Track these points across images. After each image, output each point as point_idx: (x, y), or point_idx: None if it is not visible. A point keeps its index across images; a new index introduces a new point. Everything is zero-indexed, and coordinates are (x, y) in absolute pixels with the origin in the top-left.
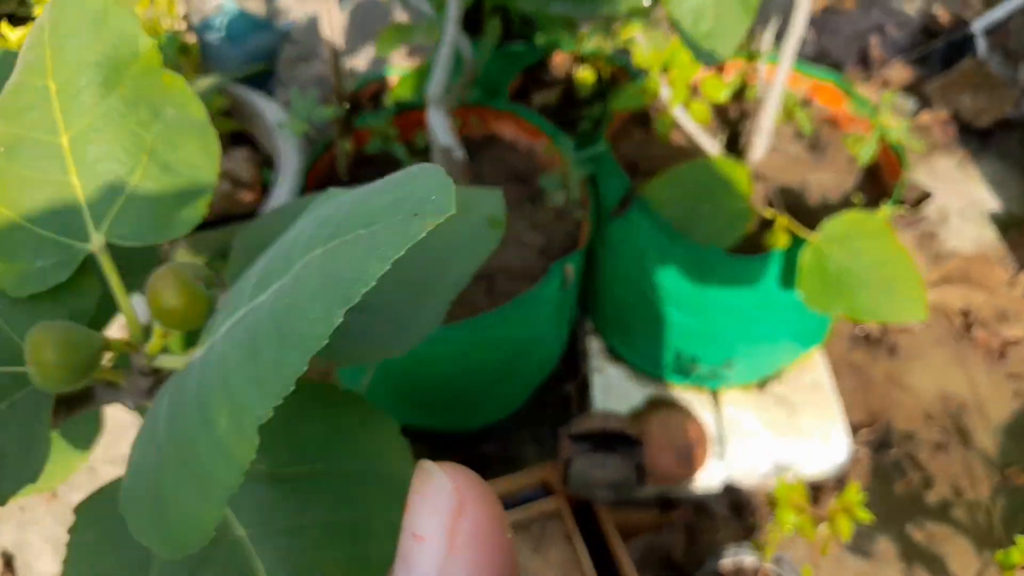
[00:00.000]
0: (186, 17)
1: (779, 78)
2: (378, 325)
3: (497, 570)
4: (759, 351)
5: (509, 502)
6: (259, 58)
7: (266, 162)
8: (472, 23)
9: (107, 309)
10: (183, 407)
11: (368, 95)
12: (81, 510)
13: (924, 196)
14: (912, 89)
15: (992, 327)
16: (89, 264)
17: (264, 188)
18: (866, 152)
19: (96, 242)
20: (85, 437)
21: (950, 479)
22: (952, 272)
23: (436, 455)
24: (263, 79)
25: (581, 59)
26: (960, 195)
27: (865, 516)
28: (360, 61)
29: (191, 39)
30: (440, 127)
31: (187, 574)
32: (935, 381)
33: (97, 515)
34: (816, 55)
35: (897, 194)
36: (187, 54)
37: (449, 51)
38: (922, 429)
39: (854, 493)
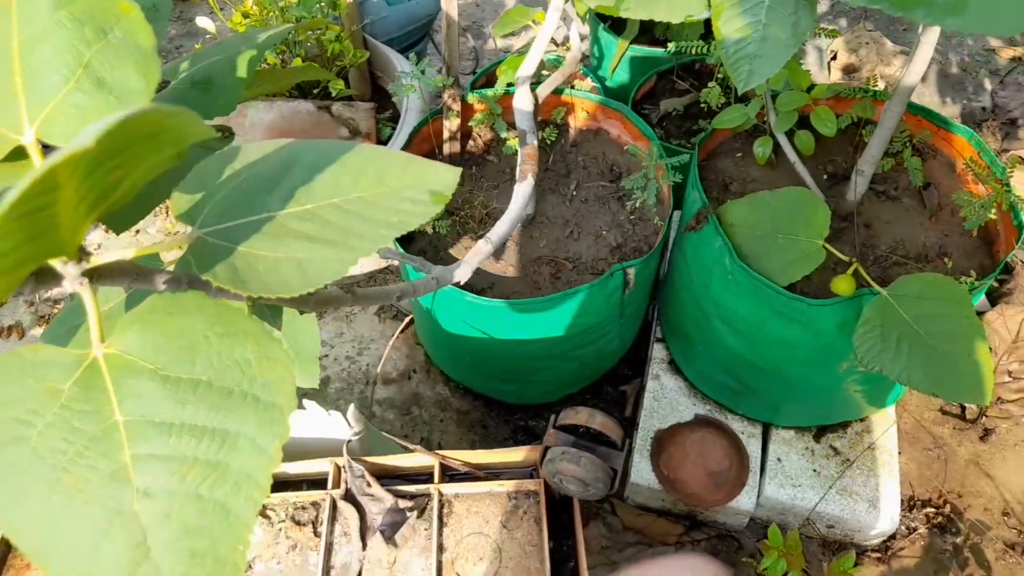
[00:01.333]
0: None
1: (887, 117)
2: (287, 266)
3: None
4: (817, 397)
5: (495, 473)
6: (415, 22)
7: (395, 119)
8: (617, 21)
9: None
10: None
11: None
12: None
13: None
14: None
15: None
16: (22, 155)
17: (380, 142)
18: (977, 216)
19: (28, 136)
20: None
21: None
22: None
23: (488, 417)
24: (416, 43)
25: (717, 70)
26: None
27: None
28: (520, 43)
29: None
30: (522, 110)
31: (60, 440)
32: None
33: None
34: (991, 109)
35: (1000, 268)
36: (336, 7)
37: (544, 39)
38: (997, 525)
39: (848, 562)
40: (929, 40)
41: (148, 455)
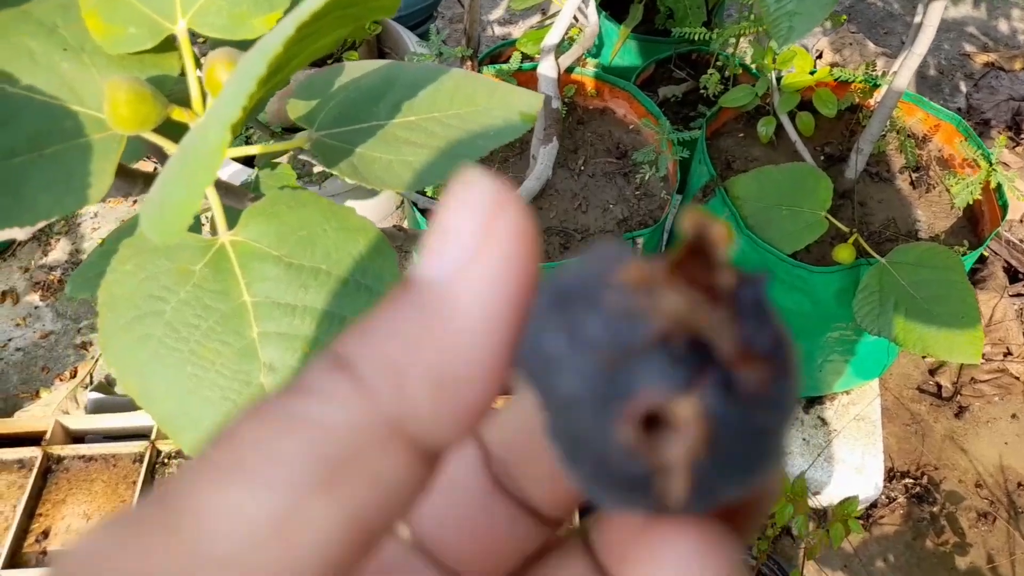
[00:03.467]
0: None
1: (888, 98)
2: (400, 167)
3: (527, 278)
4: (812, 367)
5: None
6: (422, 2)
7: None
8: (619, 10)
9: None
10: (189, 137)
11: (506, 58)
12: (125, 245)
13: None
14: None
15: None
16: (171, 43)
17: None
18: (965, 195)
19: (180, 24)
20: None
21: (987, 551)
22: None
23: None
24: (422, 22)
25: (714, 60)
26: None
27: (858, 528)
28: (519, 31)
29: None
30: (547, 76)
31: (193, 316)
32: (998, 452)
33: (137, 250)
34: (966, 110)
35: (988, 240)
36: None
37: (570, 10)
38: (971, 495)
39: (853, 506)
40: (932, 22)
41: (274, 333)
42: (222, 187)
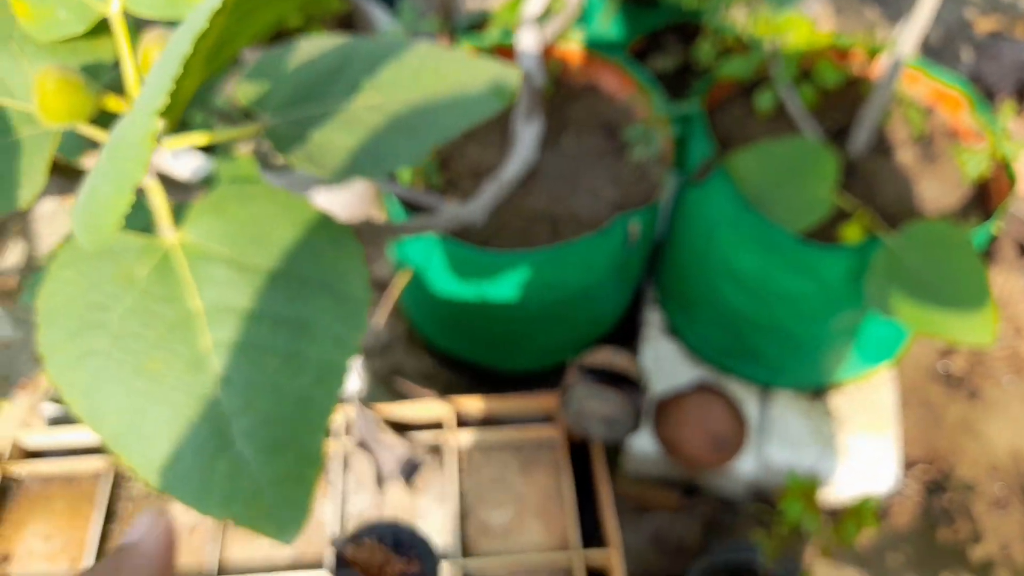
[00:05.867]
0: None
1: (892, 69)
2: (360, 152)
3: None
4: (819, 354)
5: (508, 419)
6: None
7: None
8: None
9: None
10: (118, 127)
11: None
12: (64, 247)
13: None
14: None
15: None
16: (106, 27)
17: None
18: (974, 167)
19: (113, 6)
20: None
21: (1001, 539)
22: None
23: (476, 387)
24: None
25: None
26: None
27: (874, 523)
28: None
29: None
30: (527, 49)
31: (139, 325)
32: (1011, 437)
33: (77, 254)
34: (970, 78)
35: (999, 215)
36: None
37: None
38: (985, 482)
39: (868, 508)
40: None
41: (228, 342)
42: (167, 182)
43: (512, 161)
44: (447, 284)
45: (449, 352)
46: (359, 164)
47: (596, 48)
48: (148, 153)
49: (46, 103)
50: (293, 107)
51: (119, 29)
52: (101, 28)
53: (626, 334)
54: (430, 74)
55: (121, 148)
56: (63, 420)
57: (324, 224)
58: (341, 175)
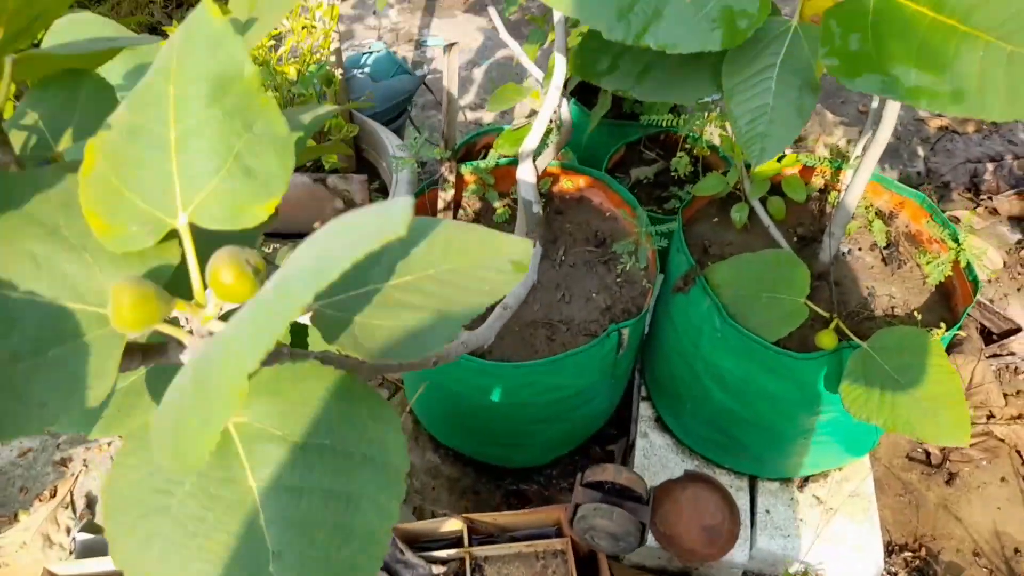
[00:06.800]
0: (338, 51)
1: (855, 185)
2: (401, 334)
3: None
4: (801, 448)
5: (521, 535)
6: (396, 98)
7: (382, 190)
8: (588, 95)
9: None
10: (204, 357)
11: (481, 147)
12: (128, 437)
13: (1014, 330)
14: (1020, 222)
15: None
16: (173, 236)
17: None
18: (937, 273)
19: (181, 219)
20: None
21: None
22: None
23: (480, 483)
24: (396, 118)
25: (683, 141)
26: None
27: None
28: (490, 116)
29: (339, 73)
30: (526, 181)
31: (199, 508)
32: (992, 518)
33: (141, 443)
34: (925, 174)
35: (962, 319)
36: (331, 85)
37: (547, 115)
38: (970, 566)
39: None
40: (892, 110)
41: (281, 519)
42: None
43: (516, 286)
44: (452, 389)
45: (454, 449)
46: (398, 349)
47: (582, 163)
48: (239, 398)
49: (121, 315)
50: (335, 290)
51: (187, 240)
52: (169, 236)
53: (618, 427)
54: (457, 252)
55: (211, 387)
56: (94, 550)
57: (366, 397)
58: (381, 357)
